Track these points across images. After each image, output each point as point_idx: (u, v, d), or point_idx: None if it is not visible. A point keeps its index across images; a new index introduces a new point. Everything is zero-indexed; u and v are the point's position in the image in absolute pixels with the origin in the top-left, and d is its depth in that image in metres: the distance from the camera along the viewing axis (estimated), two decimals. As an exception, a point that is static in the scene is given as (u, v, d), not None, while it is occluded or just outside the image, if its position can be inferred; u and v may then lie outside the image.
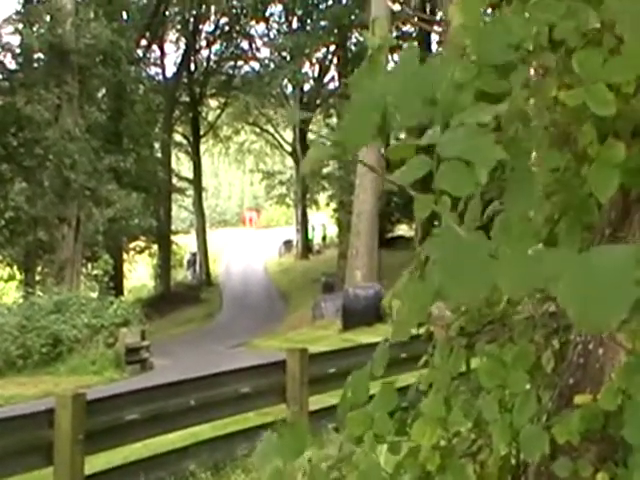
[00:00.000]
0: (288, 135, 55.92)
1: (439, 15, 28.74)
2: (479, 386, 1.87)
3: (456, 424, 1.87)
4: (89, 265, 33.31)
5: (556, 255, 1.20)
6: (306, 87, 49.64)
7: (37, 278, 32.68)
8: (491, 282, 1.20)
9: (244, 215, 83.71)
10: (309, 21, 45.18)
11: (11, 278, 35.00)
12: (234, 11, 47.79)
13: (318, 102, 50.49)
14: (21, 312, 22.29)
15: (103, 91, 36.81)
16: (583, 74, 1.50)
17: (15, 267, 34.88)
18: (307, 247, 54.36)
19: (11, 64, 33.68)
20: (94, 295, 25.88)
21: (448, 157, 1.30)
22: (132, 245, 44.94)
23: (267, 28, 49.13)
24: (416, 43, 28.38)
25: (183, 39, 49.23)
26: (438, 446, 1.85)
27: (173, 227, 49.64)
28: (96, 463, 6.87)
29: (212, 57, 50.74)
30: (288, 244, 58.57)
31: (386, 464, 1.99)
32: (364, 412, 1.91)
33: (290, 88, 49.93)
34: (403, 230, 53.01)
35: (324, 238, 58.74)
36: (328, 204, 50.33)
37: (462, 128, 1.34)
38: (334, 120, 47.30)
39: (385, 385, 1.93)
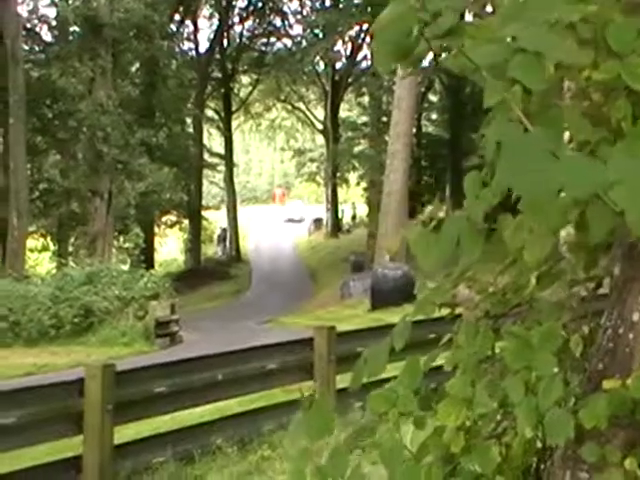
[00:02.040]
0: (319, 113, 55.74)
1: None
2: (505, 368, 1.86)
3: (481, 405, 1.87)
4: (120, 238, 33.61)
5: (619, 161, 1.21)
6: (338, 65, 49.39)
7: (70, 249, 33.09)
8: (551, 178, 1.22)
9: (274, 192, 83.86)
10: (342, -2, 44.86)
11: (44, 249, 35.49)
12: (268, -13, 47.63)
13: (350, 80, 50.22)
14: (54, 283, 22.57)
15: (136, 65, 36.90)
16: (617, 46, 1.46)
17: (48, 238, 35.36)
18: (337, 226, 54.34)
19: (47, 36, 33.99)
20: (125, 268, 26.13)
21: (525, 48, 1.33)
22: (163, 219, 45.25)
23: (300, 5, 48.92)
24: None
25: (216, 15, 49.14)
26: (463, 427, 1.85)
27: (204, 202, 49.83)
28: (125, 434, 6.96)
29: (245, 33, 50.63)
30: (318, 222, 58.59)
31: (411, 444, 1.99)
32: (389, 390, 1.92)
33: (322, 66, 49.71)
34: (433, 210, 52.76)
35: (354, 217, 58.67)
36: (358, 183, 50.22)
37: (546, 25, 1.37)
38: (366, 99, 47.05)
39: (410, 362, 1.93)
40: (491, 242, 1.84)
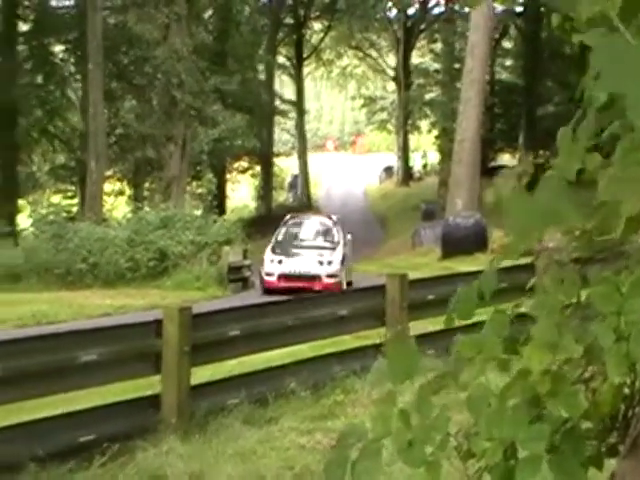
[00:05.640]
0: (391, 60, 54.98)
1: None
2: (592, 313, 1.84)
3: (567, 349, 1.85)
4: (194, 184, 34.05)
5: None
6: (410, 11, 48.51)
7: (145, 194, 33.74)
8: None
9: (325, 142, 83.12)
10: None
11: (121, 193, 36.31)
12: None
13: (422, 27, 49.29)
14: (130, 226, 23.09)
15: (210, 12, 36.90)
16: None
17: (125, 182, 36.12)
18: (408, 174, 53.94)
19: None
20: (198, 213, 26.54)
21: None
22: (235, 165, 45.58)
23: (374, -51, 47.98)
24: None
25: (289, -41, 48.65)
26: (549, 371, 1.84)
27: (275, 149, 49.97)
28: (201, 375, 7.12)
29: (317, -22, 50.05)
30: (388, 170, 58.24)
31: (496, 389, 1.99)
32: (475, 337, 1.91)
33: (394, 12, 48.90)
34: (506, 159, 51.83)
35: (425, 165, 58.10)
36: (430, 131, 49.57)
37: None
38: (439, 46, 46.16)
39: (497, 312, 1.92)
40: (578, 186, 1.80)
